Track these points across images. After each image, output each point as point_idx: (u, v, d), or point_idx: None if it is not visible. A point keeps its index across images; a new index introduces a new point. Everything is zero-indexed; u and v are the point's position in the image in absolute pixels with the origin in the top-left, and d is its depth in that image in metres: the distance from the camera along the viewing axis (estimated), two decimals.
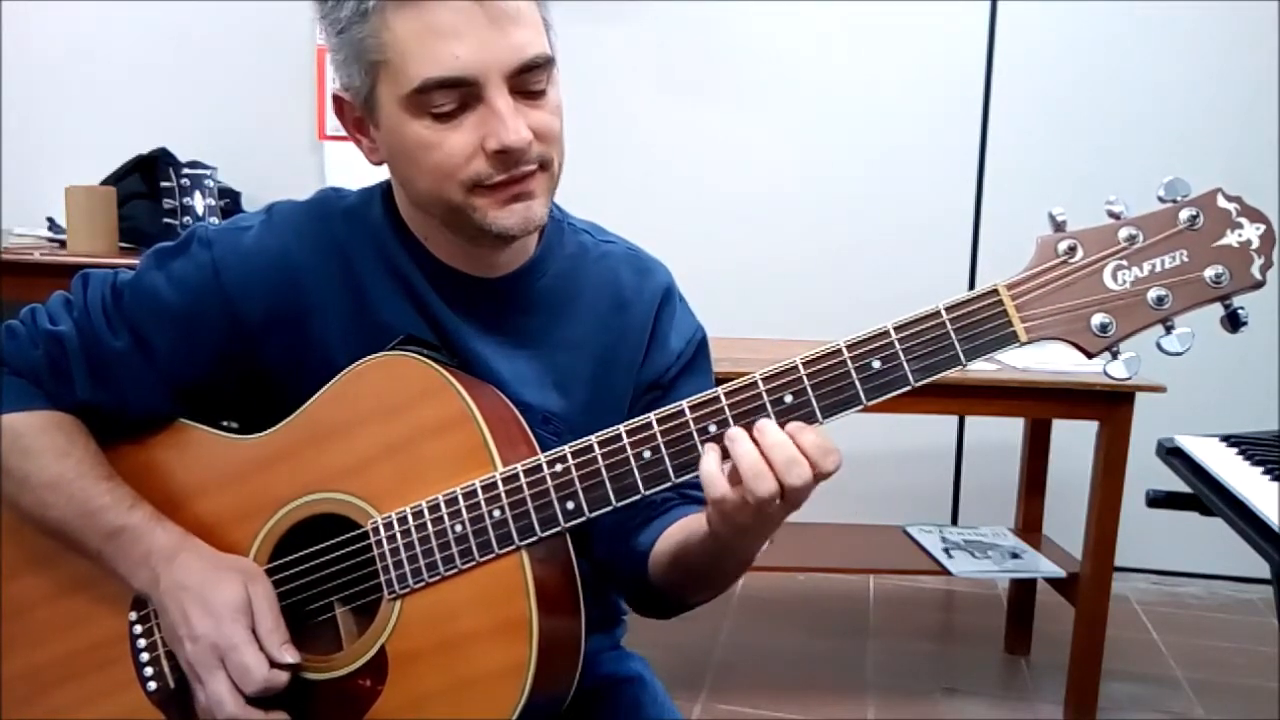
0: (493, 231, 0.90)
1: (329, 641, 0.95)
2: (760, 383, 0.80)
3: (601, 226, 1.09)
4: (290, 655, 0.90)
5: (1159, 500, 1.48)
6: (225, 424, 1.02)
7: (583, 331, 1.02)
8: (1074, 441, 2.32)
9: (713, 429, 0.81)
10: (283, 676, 0.89)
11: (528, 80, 0.87)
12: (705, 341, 1.09)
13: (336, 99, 0.95)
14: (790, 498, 0.79)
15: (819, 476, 0.79)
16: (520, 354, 1.00)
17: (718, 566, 0.94)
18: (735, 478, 0.79)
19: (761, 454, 0.78)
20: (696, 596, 1.01)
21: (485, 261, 0.98)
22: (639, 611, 1.07)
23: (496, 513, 0.86)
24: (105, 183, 2.77)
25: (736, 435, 0.79)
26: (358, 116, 0.93)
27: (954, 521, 3.12)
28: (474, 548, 0.87)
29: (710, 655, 2.45)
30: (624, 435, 0.83)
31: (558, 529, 0.85)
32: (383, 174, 1.00)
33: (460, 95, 0.85)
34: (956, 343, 0.77)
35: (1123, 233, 0.75)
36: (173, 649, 0.93)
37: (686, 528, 0.95)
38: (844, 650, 2.52)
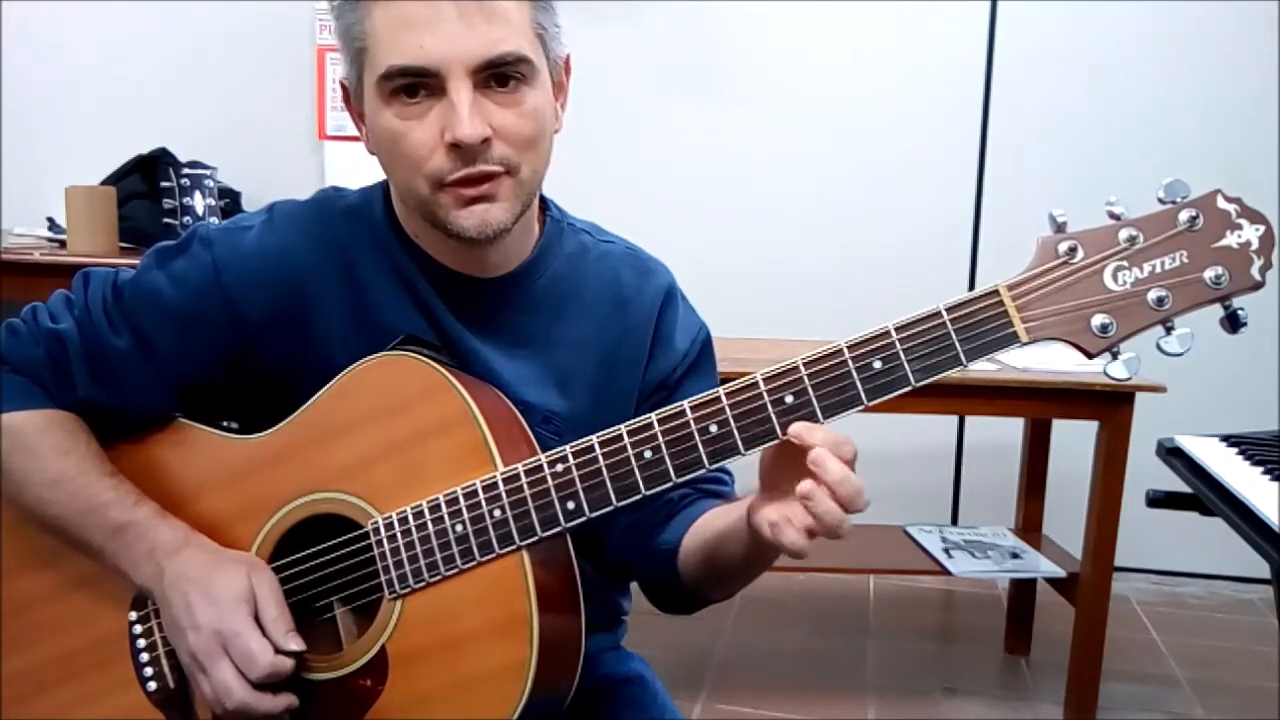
0: (452, 231, 0.90)
1: (329, 642, 0.95)
2: (761, 383, 0.80)
3: (601, 226, 1.09)
4: (295, 643, 0.90)
5: (1159, 500, 1.48)
6: (225, 424, 1.02)
7: (584, 331, 1.02)
8: (1074, 441, 2.32)
9: (713, 429, 0.81)
10: (288, 663, 0.89)
11: (495, 77, 0.87)
12: (710, 340, 1.09)
13: (342, 87, 0.97)
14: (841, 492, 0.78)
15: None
16: (520, 354, 1.00)
17: (751, 567, 0.94)
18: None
19: (830, 492, 0.78)
20: (723, 593, 1.01)
21: (481, 261, 0.98)
22: (663, 608, 1.06)
23: (497, 512, 0.86)
24: (105, 183, 2.77)
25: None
26: (356, 105, 0.95)
27: (954, 521, 3.12)
28: (474, 547, 0.87)
29: (710, 655, 2.45)
30: (625, 435, 0.83)
31: (558, 529, 0.85)
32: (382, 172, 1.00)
33: (424, 86, 0.87)
34: (957, 343, 0.77)
35: (1123, 234, 0.75)
36: (174, 642, 0.93)
37: (716, 526, 0.95)
38: (844, 650, 2.52)
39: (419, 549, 0.88)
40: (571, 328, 1.02)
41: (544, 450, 0.88)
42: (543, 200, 1.04)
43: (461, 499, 0.87)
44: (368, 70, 0.89)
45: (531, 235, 1.02)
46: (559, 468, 0.85)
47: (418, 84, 0.87)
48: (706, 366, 1.08)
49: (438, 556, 0.88)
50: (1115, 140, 2.89)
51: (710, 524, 0.96)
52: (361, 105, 0.93)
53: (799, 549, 0.79)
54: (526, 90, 0.89)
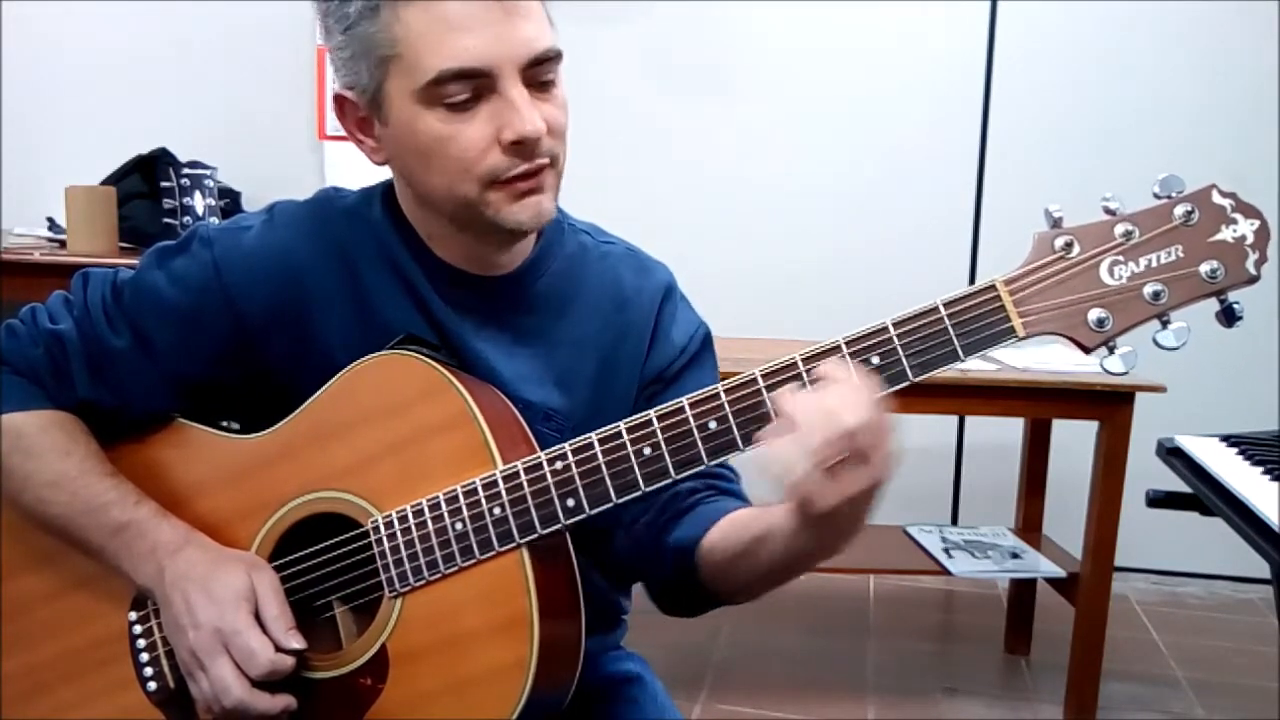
0: (505, 227, 0.91)
1: (329, 641, 0.95)
2: (760, 379, 0.80)
3: (601, 228, 1.09)
4: (296, 641, 0.90)
5: (1159, 500, 1.49)
6: (226, 424, 1.02)
7: (584, 330, 1.02)
8: (1074, 441, 2.32)
9: (713, 425, 0.81)
10: (288, 661, 0.89)
11: (539, 73, 0.88)
12: (710, 338, 1.08)
13: (338, 99, 0.94)
14: (860, 441, 0.73)
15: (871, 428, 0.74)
16: (521, 352, 1.00)
17: (795, 564, 0.88)
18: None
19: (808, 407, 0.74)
20: (746, 594, 0.96)
21: (487, 260, 0.98)
22: (668, 608, 1.03)
23: (497, 510, 0.86)
24: (105, 183, 2.77)
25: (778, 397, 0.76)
26: (361, 116, 0.93)
27: (954, 521, 3.12)
28: (474, 545, 0.87)
29: (710, 655, 2.45)
30: (624, 432, 0.83)
31: (558, 526, 0.85)
32: (385, 174, 1.00)
33: (474, 87, 0.86)
34: (955, 338, 0.77)
35: (1119, 229, 0.76)
36: (174, 640, 0.93)
37: (752, 527, 0.90)
38: (844, 650, 2.52)
39: (419, 547, 0.88)
40: (572, 327, 1.02)
41: (545, 447, 0.88)
42: None
43: (461, 497, 0.87)
44: (398, 77, 0.87)
45: (534, 234, 1.02)
46: (558, 465, 0.85)
47: (465, 86, 0.86)
48: (707, 362, 1.07)
49: (437, 555, 0.88)
50: (1115, 140, 2.89)
51: (748, 525, 0.91)
52: (379, 115, 0.91)
53: (802, 485, 0.74)
54: (558, 82, 0.91)
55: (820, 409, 0.73)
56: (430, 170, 0.90)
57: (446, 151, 0.88)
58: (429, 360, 0.92)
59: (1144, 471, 1.72)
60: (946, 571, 2.25)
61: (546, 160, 0.90)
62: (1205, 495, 1.33)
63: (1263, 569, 2.21)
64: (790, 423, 0.74)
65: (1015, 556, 2.32)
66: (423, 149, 0.89)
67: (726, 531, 0.94)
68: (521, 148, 0.87)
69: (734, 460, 0.86)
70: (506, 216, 0.90)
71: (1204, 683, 2.38)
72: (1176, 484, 1.44)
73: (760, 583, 0.93)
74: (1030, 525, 2.47)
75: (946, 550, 2.34)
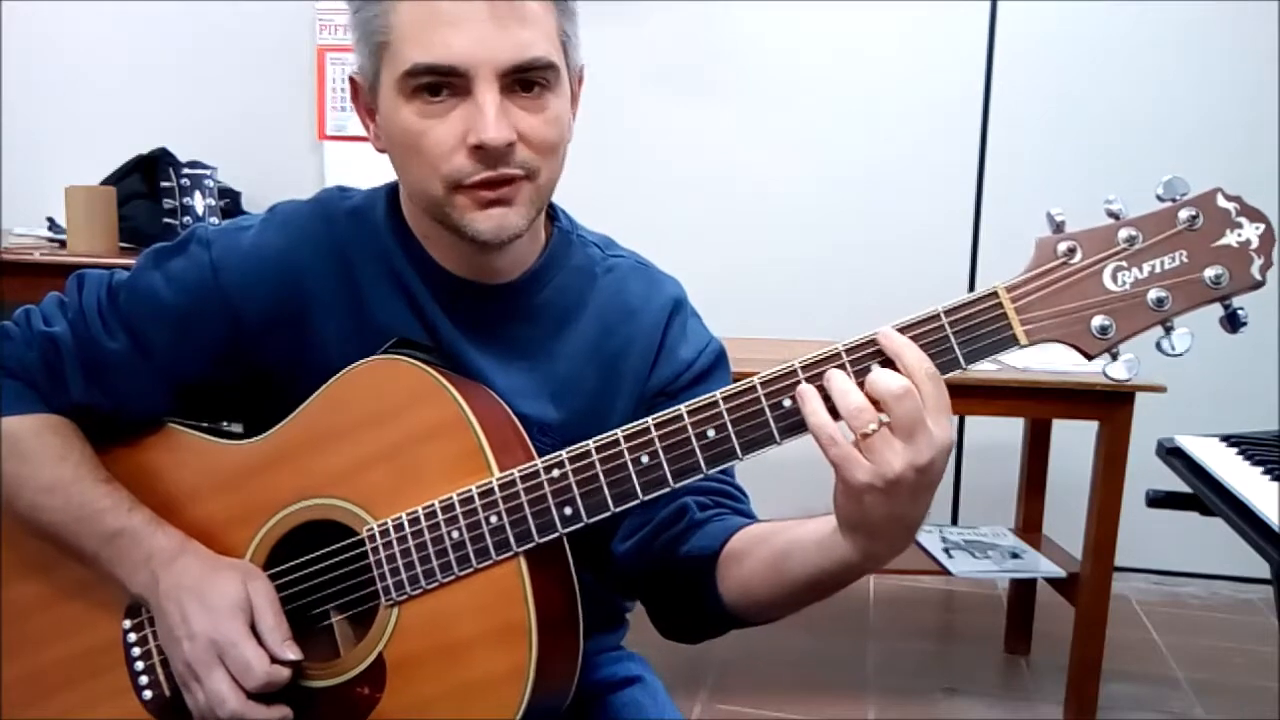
0: (466, 234, 0.89)
1: (326, 649, 0.95)
2: (759, 387, 0.79)
3: (614, 240, 1.07)
4: (292, 651, 0.89)
5: (1159, 500, 1.49)
6: (228, 426, 1.02)
7: (585, 343, 1.00)
8: (1074, 441, 2.32)
9: (711, 434, 0.80)
10: (284, 672, 0.89)
11: (523, 82, 0.86)
12: (723, 355, 1.05)
13: (352, 82, 0.95)
14: (901, 427, 0.73)
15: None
16: (517, 365, 0.99)
17: (830, 577, 0.84)
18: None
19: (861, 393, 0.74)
20: (771, 612, 0.93)
21: (483, 267, 0.97)
22: (669, 630, 1.01)
23: (494, 519, 0.85)
24: (105, 183, 2.77)
25: (832, 376, 0.76)
26: (367, 101, 0.94)
27: (954, 521, 3.11)
28: (471, 554, 0.86)
29: (710, 655, 2.45)
30: (621, 440, 0.82)
31: (555, 534, 0.84)
32: (386, 173, 0.99)
33: (449, 85, 0.85)
34: (956, 346, 0.76)
35: (1122, 233, 0.74)
36: (169, 651, 0.93)
37: (782, 535, 0.88)
38: (844, 650, 2.52)
39: (415, 556, 0.88)
40: (572, 340, 1.00)
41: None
42: (552, 209, 1.02)
43: (458, 505, 0.86)
44: (387, 66, 0.87)
45: (538, 241, 1.00)
46: (555, 473, 0.84)
47: (441, 83, 0.85)
48: (718, 378, 1.03)
49: (434, 564, 0.87)
50: (1115, 140, 2.89)
51: (778, 531, 0.90)
52: (375, 101, 0.92)
53: (848, 462, 0.75)
54: (550, 96, 0.88)
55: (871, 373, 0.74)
56: (408, 164, 0.90)
57: (419, 146, 0.87)
58: (421, 364, 0.91)
59: (1144, 471, 1.72)
60: (946, 571, 2.24)
61: (520, 173, 0.87)
62: (1205, 495, 1.33)
63: (1263, 569, 2.20)
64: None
65: (1015, 556, 2.32)
66: (401, 141, 0.89)
67: (750, 541, 0.92)
68: (484, 154, 0.85)
69: (743, 480, 0.84)
70: (468, 223, 0.88)
71: (1204, 683, 2.38)
72: (1176, 484, 1.44)
73: (787, 597, 0.89)
74: (1030, 525, 2.47)
75: (946, 550, 2.34)
